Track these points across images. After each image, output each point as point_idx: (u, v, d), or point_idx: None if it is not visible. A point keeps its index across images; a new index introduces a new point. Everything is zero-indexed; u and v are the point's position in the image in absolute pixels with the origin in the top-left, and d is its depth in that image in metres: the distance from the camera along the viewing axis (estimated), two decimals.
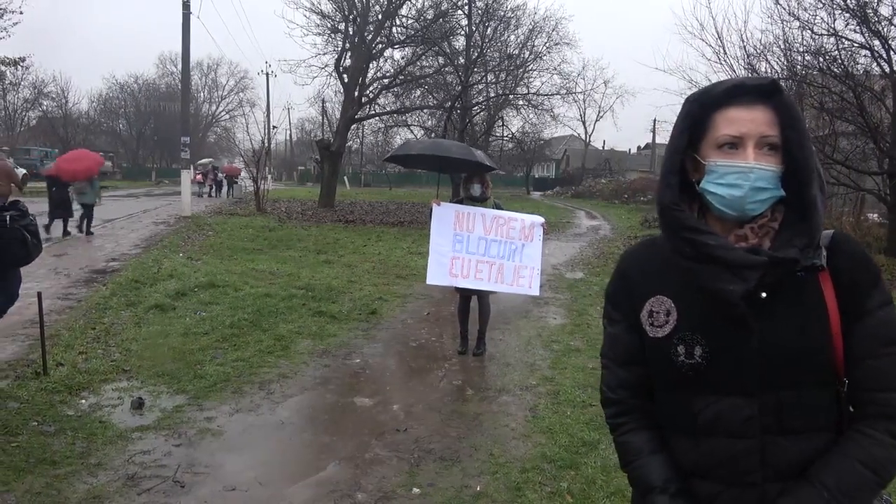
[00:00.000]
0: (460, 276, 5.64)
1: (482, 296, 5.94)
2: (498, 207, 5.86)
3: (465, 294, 5.99)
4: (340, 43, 23.86)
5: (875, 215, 15.90)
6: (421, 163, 7.06)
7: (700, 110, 1.23)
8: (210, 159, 40.90)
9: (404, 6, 23.51)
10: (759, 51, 12.96)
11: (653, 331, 1.28)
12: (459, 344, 6.10)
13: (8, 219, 3.83)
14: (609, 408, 1.39)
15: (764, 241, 1.21)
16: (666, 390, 1.29)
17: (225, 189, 33.91)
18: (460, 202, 5.87)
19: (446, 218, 5.65)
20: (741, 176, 1.17)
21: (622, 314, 1.35)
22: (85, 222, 13.38)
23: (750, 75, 1.27)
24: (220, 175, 35.15)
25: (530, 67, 29.34)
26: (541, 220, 5.73)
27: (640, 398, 1.34)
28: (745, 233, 1.21)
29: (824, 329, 1.18)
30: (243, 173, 31.02)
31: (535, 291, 5.74)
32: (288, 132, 70.72)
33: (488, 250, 5.61)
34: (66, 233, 13.01)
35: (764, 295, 1.17)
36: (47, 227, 12.53)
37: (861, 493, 1.14)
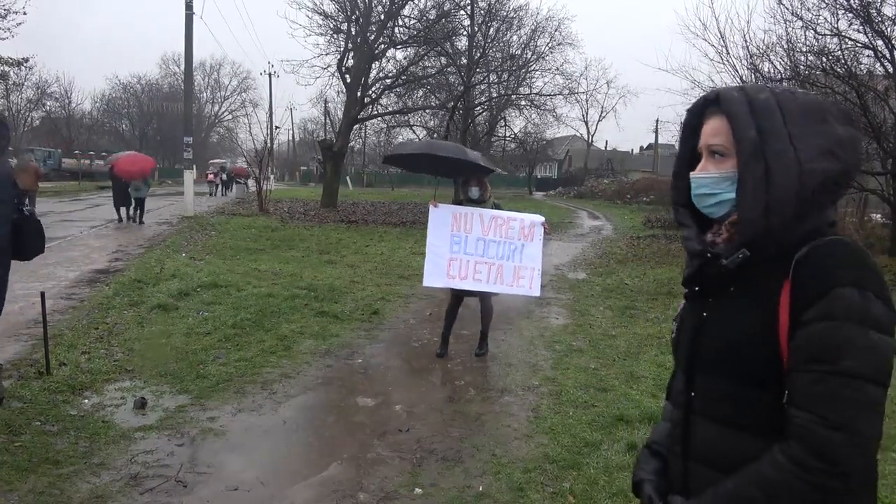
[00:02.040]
0: (458, 278, 5.57)
1: (484, 297, 5.86)
2: (497, 208, 5.80)
3: (456, 294, 5.90)
4: (343, 43, 23.89)
5: (878, 216, 15.87)
6: (418, 165, 7.04)
7: (693, 121, 1.34)
8: (222, 161, 41.66)
9: (407, 6, 23.55)
10: (761, 51, 12.93)
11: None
12: (439, 346, 5.97)
13: (33, 212, 3.94)
14: None
15: (736, 236, 1.28)
16: None
17: (233, 189, 34.93)
18: (459, 204, 5.81)
19: (443, 219, 5.59)
20: (692, 185, 1.32)
21: None
22: (137, 213, 16.68)
23: (717, 88, 1.32)
24: (224, 175, 36.44)
25: (533, 68, 29.40)
26: (541, 219, 5.66)
27: None
28: (721, 228, 1.31)
29: (767, 334, 1.16)
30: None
31: (536, 292, 5.67)
32: (290, 132, 70.86)
33: (487, 251, 5.54)
34: (123, 219, 16.61)
35: (732, 289, 1.25)
36: (118, 217, 16.62)
37: None
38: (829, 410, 1.06)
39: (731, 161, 1.23)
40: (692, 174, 1.30)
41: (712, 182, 1.26)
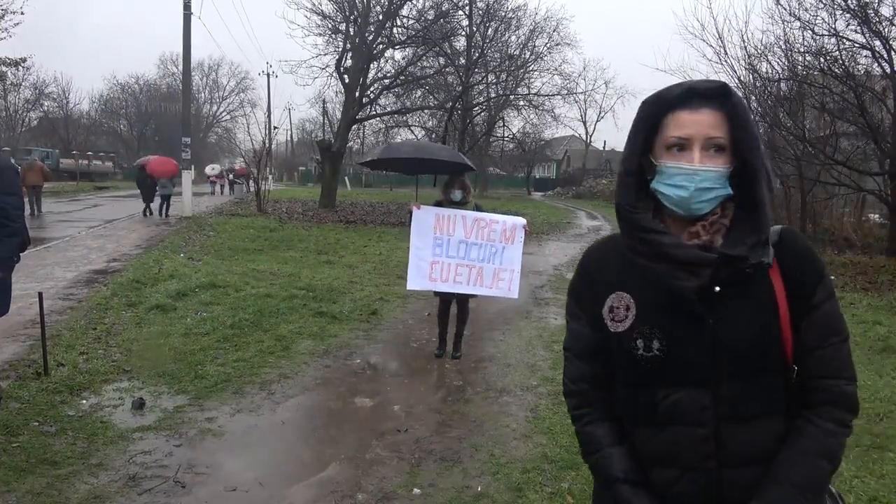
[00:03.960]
0: (440, 281, 5.58)
1: (462, 300, 5.88)
2: (478, 209, 5.80)
3: (444, 298, 5.92)
4: (341, 43, 23.87)
5: (876, 216, 15.90)
6: (401, 165, 7.00)
7: (655, 111, 1.27)
8: (217, 165, 42.11)
9: (405, 7, 23.54)
10: (759, 51, 12.98)
11: (613, 326, 1.33)
12: (437, 346, 6.02)
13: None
14: (571, 398, 1.45)
15: (716, 237, 1.26)
16: (628, 383, 1.34)
17: (236, 188, 35.52)
18: (440, 205, 5.79)
19: (426, 221, 5.58)
20: (687, 178, 1.22)
21: (584, 310, 1.41)
22: (164, 208, 18.81)
23: (703, 79, 1.30)
24: (231, 175, 37.34)
25: (531, 68, 29.44)
26: (523, 221, 5.67)
27: (601, 390, 1.39)
28: (697, 230, 1.26)
29: (773, 321, 1.24)
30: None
31: (514, 294, 5.68)
32: (289, 133, 70.76)
33: (468, 254, 5.55)
34: (147, 213, 18.77)
35: (718, 289, 1.22)
36: (144, 211, 18.86)
37: (823, 483, 1.25)
38: (848, 370, 1.26)
39: (725, 157, 1.23)
40: (696, 166, 1.21)
41: (716, 177, 1.22)
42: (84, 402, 4.50)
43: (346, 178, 48.29)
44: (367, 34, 22.94)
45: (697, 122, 1.22)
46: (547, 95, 29.53)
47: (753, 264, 1.22)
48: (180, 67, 28.24)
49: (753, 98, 13.17)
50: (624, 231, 1.31)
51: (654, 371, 1.27)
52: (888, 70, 11.37)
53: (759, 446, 1.24)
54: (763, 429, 1.24)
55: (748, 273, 1.22)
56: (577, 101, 37.56)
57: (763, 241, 1.23)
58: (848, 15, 11.33)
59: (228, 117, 68.14)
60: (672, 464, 1.28)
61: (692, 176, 1.22)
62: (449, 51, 24.99)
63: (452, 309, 5.97)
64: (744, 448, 1.24)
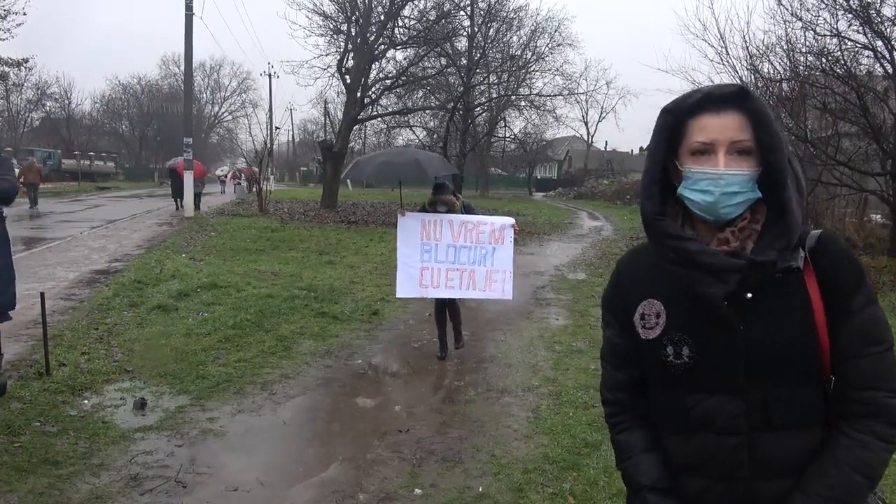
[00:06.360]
0: (431, 287, 5.58)
1: (451, 300, 5.89)
2: (468, 208, 5.79)
3: (440, 300, 5.93)
4: (343, 44, 23.85)
5: (878, 216, 15.87)
6: (373, 177, 6.95)
7: (675, 119, 1.26)
8: (225, 167, 42.56)
9: (406, 7, 23.50)
10: (761, 52, 12.92)
11: (644, 333, 1.32)
12: (439, 349, 6.00)
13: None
14: (606, 407, 1.46)
15: (747, 242, 1.23)
16: (659, 389, 1.33)
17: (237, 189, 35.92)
18: (426, 209, 5.77)
19: (412, 228, 5.57)
20: (712, 182, 1.21)
21: (616, 318, 1.41)
22: (197, 203, 20.63)
23: (720, 84, 1.26)
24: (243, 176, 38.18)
25: (532, 68, 29.48)
26: (511, 221, 5.67)
27: (635, 398, 1.39)
28: (726, 236, 1.24)
29: (809, 327, 1.20)
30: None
31: (508, 295, 5.66)
32: (290, 133, 70.77)
33: (458, 257, 5.53)
34: (179, 207, 20.87)
35: (750, 295, 1.20)
36: (176, 206, 21.34)
37: (855, 498, 1.19)
38: (891, 382, 1.19)
39: (752, 160, 1.21)
40: (721, 171, 1.20)
41: (742, 180, 1.20)
42: (86, 402, 4.51)
43: (348, 178, 48.29)
44: (368, 35, 22.92)
45: (721, 126, 1.21)
46: (548, 96, 29.60)
47: (783, 269, 1.20)
48: (182, 68, 28.34)
49: None
50: (652, 239, 1.30)
51: (685, 378, 1.26)
52: (890, 70, 11.34)
53: (794, 458, 1.21)
54: (798, 440, 1.21)
55: (780, 278, 1.20)
56: (578, 102, 37.76)
57: (791, 245, 1.20)
58: (850, 15, 11.31)
59: (230, 118, 68.21)
60: (702, 473, 1.26)
61: (717, 180, 1.20)
62: (450, 51, 24.99)
63: None
64: (777, 459, 1.21)
